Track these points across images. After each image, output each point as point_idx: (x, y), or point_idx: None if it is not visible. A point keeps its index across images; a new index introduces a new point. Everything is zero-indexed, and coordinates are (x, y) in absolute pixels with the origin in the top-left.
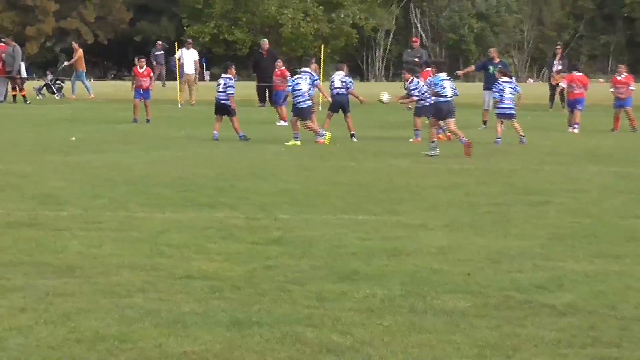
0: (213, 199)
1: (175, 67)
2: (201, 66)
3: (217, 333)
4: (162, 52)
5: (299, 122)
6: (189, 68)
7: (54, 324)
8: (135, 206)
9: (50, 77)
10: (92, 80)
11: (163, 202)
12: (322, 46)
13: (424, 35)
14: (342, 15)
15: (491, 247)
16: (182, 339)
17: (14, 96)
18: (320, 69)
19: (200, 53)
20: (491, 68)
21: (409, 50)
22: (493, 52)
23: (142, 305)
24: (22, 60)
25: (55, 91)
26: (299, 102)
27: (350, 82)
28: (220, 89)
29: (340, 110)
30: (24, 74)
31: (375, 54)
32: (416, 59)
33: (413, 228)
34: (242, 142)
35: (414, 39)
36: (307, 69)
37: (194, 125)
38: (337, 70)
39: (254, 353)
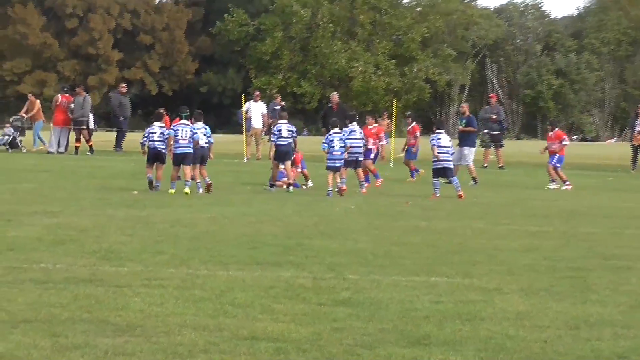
0: (279, 257)
1: (242, 120)
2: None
3: None
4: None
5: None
6: (257, 121)
7: None
8: (199, 263)
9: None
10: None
11: (227, 260)
12: (395, 100)
13: (500, 91)
14: (415, 70)
15: (569, 314)
16: None
17: (77, 147)
18: (392, 123)
19: (267, 106)
20: (459, 122)
21: (487, 107)
22: (464, 107)
23: None
24: (91, 112)
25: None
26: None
27: (296, 132)
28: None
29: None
30: (91, 125)
31: (449, 110)
32: (494, 116)
33: (488, 292)
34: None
35: (491, 95)
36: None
37: (258, 180)
38: (281, 118)
39: None
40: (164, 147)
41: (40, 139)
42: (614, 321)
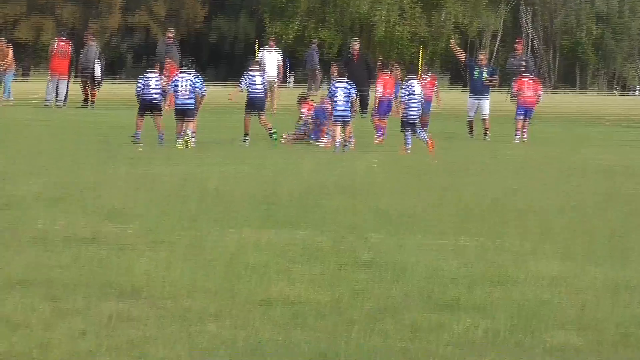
0: (296, 217)
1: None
2: (284, 69)
3: None
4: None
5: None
6: (271, 70)
7: (118, 352)
8: (209, 223)
9: None
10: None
11: (240, 220)
12: (421, 48)
13: (535, 39)
14: (443, 16)
15: (608, 278)
16: None
17: (85, 99)
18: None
19: (283, 54)
20: (477, 73)
21: (513, 54)
22: (482, 55)
23: (216, 334)
24: (97, 61)
25: None
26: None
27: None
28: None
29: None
30: (97, 73)
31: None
32: (523, 64)
33: (521, 254)
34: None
35: (517, 40)
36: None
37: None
38: (340, 75)
39: None
40: (160, 96)
41: (9, 92)
42: None
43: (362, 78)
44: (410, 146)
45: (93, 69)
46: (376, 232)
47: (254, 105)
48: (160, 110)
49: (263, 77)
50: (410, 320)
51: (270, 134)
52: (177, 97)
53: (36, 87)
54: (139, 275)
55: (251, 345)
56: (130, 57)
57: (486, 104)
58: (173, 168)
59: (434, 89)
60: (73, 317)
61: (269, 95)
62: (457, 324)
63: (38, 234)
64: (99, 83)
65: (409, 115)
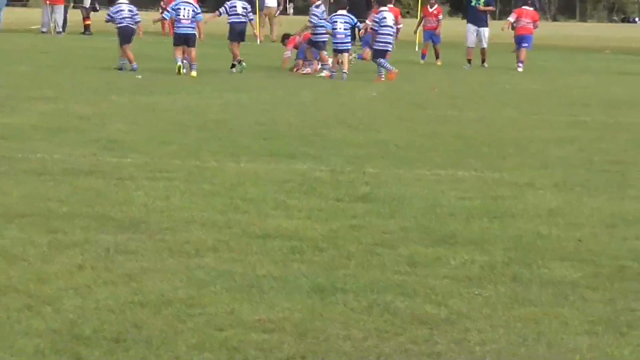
0: (295, 148)
1: None
2: None
3: (296, 300)
4: None
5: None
6: (271, 1)
7: (115, 285)
8: (208, 154)
9: None
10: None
11: (239, 151)
12: None
13: None
14: None
15: (606, 211)
16: (257, 305)
17: (86, 26)
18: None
19: None
20: (473, 0)
21: None
22: None
23: (214, 267)
24: None
25: None
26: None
27: (250, 11)
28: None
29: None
30: (86, 4)
31: None
32: None
33: (519, 187)
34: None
35: None
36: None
37: (273, 64)
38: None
39: (338, 323)
40: (134, 24)
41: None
42: None
43: (360, 9)
44: (392, 68)
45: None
46: (374, 164)
47: (235, 31)
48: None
49: (244, 4)
50: (407, 254)
51: (239, 62)
52: (179, 23)
53: (36, 13)
54: (137, 207)
55: (248, 278)
56: None
57: (486, 33)
58: (173, 97)
59: (438, 19)
60: (71, 249)
61: (269, 23)
62: (454, 257)
63: (36, 165)
64: (93, 9)
65: (381, 45)
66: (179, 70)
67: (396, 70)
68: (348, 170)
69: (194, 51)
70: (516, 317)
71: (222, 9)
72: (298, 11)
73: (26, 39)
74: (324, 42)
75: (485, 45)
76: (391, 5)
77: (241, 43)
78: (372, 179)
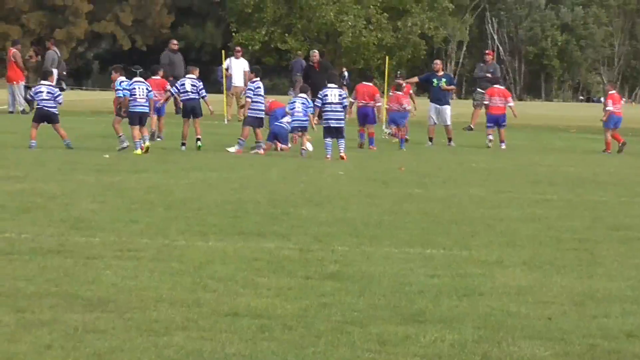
0: (263, 227)
1: (222, 78)
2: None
3: None
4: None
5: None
6: (238, 79)
7: None
8: (176, 233)
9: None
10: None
11: (207, 230)
12: (387, 58)
13: (501, 47)
14: (409, 24)
15: (575, 289)
16: None
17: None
18: (384, 83)
19: (249, 63)
20: (435, 81)
21: (482, 65)
22: (438, 64)
23: (183, 345)
24: (56, 67)
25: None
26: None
27: (202, 88)
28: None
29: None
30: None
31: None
32: (489, 75)
33: (487, 265)
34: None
35: (487, 52)
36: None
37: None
38: (188, 73)
39: None
40: (54, 106)
41: None
42: (623, 297)
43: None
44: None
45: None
46: (343, 242)
47: (187, 109)
48: (55, 120)
49: (193, 81)
50: (377, 333)
51: (197, 140)
52: (134, 102)
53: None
54: (105, 286)
55: (218, 357)
56: (96, 64)
57: (447, 111)
58: (139, 176)
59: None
60: (39, 328)
61: (237, 103)
62: (423, 336)
63: (4, 245)
64: (60, 89)
65: (324, 123)
66: (147, 149)
67: (343, 155)
68: (316, 248)
69: (141, 129)
70: None
71: (173, 89)
72: (265, 90)
73: None
74: (256, 118)
75: (449, 123)
76: (368, 84)
77: (198, 120)
78: (341, 257)
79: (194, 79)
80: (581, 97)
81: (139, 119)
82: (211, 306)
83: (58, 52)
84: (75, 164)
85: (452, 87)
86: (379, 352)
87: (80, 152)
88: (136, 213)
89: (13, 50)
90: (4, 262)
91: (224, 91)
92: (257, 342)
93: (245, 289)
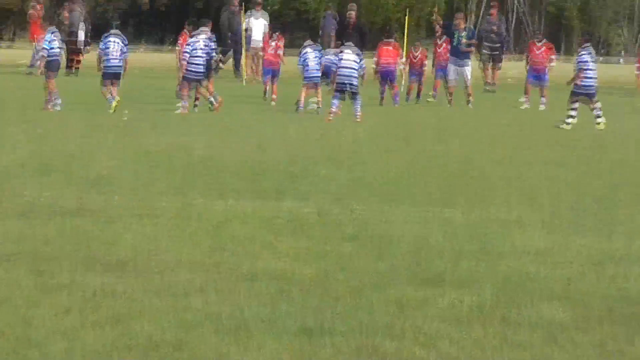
0: (282, 186)
1: (241, 36)
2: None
3: (284, 341)
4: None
5: None
6: (257, 36)
7: (102, 328)
8: (195, 193)
9: None
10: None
11: (226, 189)
12: (407, 11)
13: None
14: None
15: (594, 249)
16: (246, 347)
17: (68, 66)
18: (403, 42)
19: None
20: (455, 37)
21: (488, 18)
22: (459, 20)
23: (201, 308)
24: (81, 26)
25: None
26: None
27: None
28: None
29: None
30: (80, 38)
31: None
32: (494, 28)
33: (507, 225)
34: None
35: (492, 4)
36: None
37: (260, 102)
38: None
39: None
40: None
41: None
42: None
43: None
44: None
45: (77, 33)
46: (362, 203)
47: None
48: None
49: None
50: (396, 296)
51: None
52: (107, 57)
53: (22, 53)
54: (124, 248)
55: (236, 320)
56: (116, 23)
57: (467, 71)
58: (159, 137)
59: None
60: (57, 292)
61: (254, 62)
62: (442, 298)
63: (23, 206)
64: (83, 48)
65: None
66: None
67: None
68: (335, 210)
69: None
70: None
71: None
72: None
73: (12, 78)
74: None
75: (469, 84)
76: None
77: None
78: (359, 219)
79: (205, 39)
80: (602, 51)
81: (111, 76)
82: (230, 268)
83: (83, 10)
84: (95, 125)
85: (473, 41)
86: (397, 316)
87: (100, 112)
88: (155, 173)
89: (30, 11)
90: (24, 224)
91: (243, 51)
92: (275, 305)
93: (263, 251)
